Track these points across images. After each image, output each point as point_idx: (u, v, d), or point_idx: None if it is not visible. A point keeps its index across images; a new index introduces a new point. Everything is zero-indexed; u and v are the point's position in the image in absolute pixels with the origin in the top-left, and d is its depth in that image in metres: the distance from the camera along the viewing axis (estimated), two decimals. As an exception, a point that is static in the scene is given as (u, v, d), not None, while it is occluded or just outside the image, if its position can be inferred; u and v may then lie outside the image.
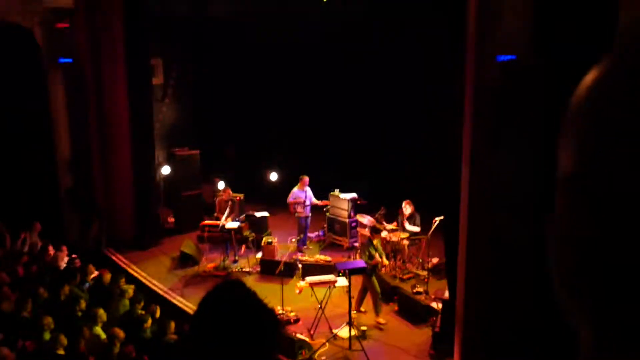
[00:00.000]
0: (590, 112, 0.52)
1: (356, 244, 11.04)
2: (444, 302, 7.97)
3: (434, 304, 8.59)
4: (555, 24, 5.09)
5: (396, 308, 9.00)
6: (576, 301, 0.57)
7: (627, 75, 0.50)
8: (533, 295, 5.60)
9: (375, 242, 8.86)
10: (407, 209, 10.34)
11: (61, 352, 6.31)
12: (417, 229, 10.22)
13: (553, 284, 0.60)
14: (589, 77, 0.54)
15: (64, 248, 9.71)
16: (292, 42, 12.90)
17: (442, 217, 9.17)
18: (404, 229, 10.28)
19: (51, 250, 9.65)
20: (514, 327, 5.75)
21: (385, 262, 8.97)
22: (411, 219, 10.33)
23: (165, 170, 12.72)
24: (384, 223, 10.55)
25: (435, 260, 9.96)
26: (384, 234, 10.17)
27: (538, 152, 5.00)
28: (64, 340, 6.35)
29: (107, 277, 8.72)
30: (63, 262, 9.42)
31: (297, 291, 8.76)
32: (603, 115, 0.51)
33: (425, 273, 9.64)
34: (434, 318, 8.14)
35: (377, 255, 8.65)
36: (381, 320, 8.55)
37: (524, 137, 5.33)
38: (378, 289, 8.57)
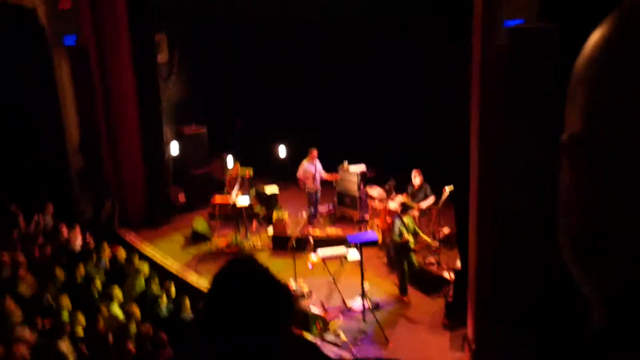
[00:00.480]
0: (597, 71, 0.52)
1: (367, 216, 11.08)
2: (456, 272, 8.03)
3: (446, 274, 8.65)
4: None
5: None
6: (585, 270, 0.58)
7: (632, 33, 0.50)
8: (544, 263, 5.63)
9: (405, 219, 8.58)
10: (416, 179, 10.29)
11: (80, 331, 6.47)
12: (428, 201, 10.14)
13: (562, 252, 0.61)
14: (595, 36, 0.54)
15: (77, 228, 9.84)
16: (298, 15, 12.77)
17: (451, 187, 9.16)
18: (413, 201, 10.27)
19: (65, 231, 9.79)
20: (526, 295, 5.79)
21: (411, 239, 8.46)
22: (421, 189, 10.29)
23: (174, 147, 12.78)
24: (394, 194, 10.55)
25: (446, 230, 9.99)
26: (393, 204, 10.19)
27: (548, 121, 4.96)
28: (82, 319, 6.51)
29: (122, 255, 8.87)
30: (78, 242, 9.56)
31: (310, 265, 8.86)
32: (610, 74, 0.51)
33: (436, 243, 9.69)
34: (447, 288, 8.22)
35: (405, 234, 8.41)
36: (405, 299, 8.57)
37: (534, 104, 5.28)
38: (406, 268, 8.51)
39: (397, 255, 8.57)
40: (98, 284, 7.66)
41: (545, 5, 5.25)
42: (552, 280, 5.47)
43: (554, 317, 5.44)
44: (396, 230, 8.46)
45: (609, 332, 0.57)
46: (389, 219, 10.36)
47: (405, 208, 8.86)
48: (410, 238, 8.39)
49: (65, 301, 6.84)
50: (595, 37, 0.54)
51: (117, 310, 7.11)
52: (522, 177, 5.57)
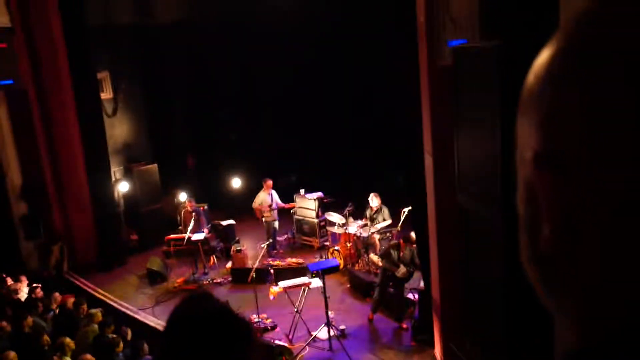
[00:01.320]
0: (553, 89, 0.53)
1: (326, 243, 11.05)
2: (420, 292, 8.06)
3: (410, 296, 8.67)
4: (500, 6, 5.22)
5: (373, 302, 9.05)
6: (552, 292, 0.57)
7: (582, 52, 0.51)
8: (506, 278, 5.71)
9: (403, 251, 8.42)
10: (374, 201, 10.39)
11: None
12: (387, 223, 10.26)
13: (526, 272, 0.60)
14: (545, 56, 0.55)
15: (23, 278, 9.42)
16: (241, 43, 12.85)
17: (409, 208, 9.26)
18: (373, 224, 10.35)
19: (9, 282, 9.35)
20: (492, 311, 5.84)
21: (402, 270, 8.25)
22: (379, 211, 10.39)
23: (124, 186, 12.49)
24: (352, 219, 10.60)
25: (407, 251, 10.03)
26: (352, 229, 10.24)
27: (499, 133, 5.10)
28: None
29: (71, 303, 8.51)
30: (23, 293, 9.14)
31: (271, 297, 8.72)
32: (566, 91, 0.51)
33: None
34: (412, 309, 8.23)
35: (401, 266, 8.29)
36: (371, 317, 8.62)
37: (483, 119, 5.43)
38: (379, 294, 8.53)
39: (383, 280, 8.49)
40: (46, 335, 7.29)
41: (486, 25, 5.46)
42: (520, 292, 5.54)
43: (524, 331, 5.49)
44: (390, 259, 8.38)
45: (582, 350, 0.56)
46: (349, 244, 10.38)
47: (407, 240, 8.60)
48: (402, 269, 8.31)
49: (12, 356, 6.46)
50: (546, 55, 0.55)
51: (69, 361, 6.77)
52: (479, 192, 5.67)
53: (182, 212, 11.34)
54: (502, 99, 4.70)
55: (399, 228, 9.89)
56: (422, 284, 8.01)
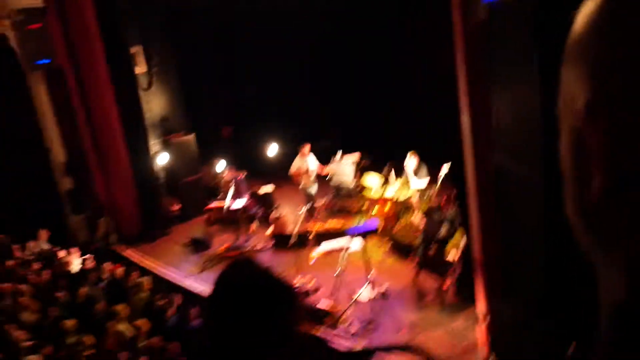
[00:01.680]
0: (602, 39, 0.52)
1: (364, 207, 11.07)
2: (461, 251, 8.04)
3: (451, 255, 8.64)
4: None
5: (414, 264, 9.09)
6: (602, 243, 0.57)
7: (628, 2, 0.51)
8: (550, 230, 5.65)
9: (444, 211, 8.59)
10: (412, 161, 10.30)
11: (88, 353, 6.45)
12: (425, 181, 10.19)
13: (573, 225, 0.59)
14: (591, 6, 0.54)
15: (75, 250, 9.81)
16: (270, 14, 12.72)
17: (448, 167, 9.18)
18: (410, 184, 10.29)
19: (62, 255, 9.76)
20: (534, 265, 5.81)
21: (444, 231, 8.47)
22: (418, 171, 10.30)
23: (163, 158, 12.73)
24: (390, 180, 10.56)
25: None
26: (390, 192, 10.23)
27: (537, 89, 4.97)
28: (89, 340, 6.48)
29: (120, 272, 8.85)
30: (75, 265, 9.53)
31: (312, 261, 8.85)
32: (615, 40, 0.51)
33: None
34: (453, 268, 8.23)
35: (443, 226, 8.44)
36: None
37: (520, 75, 5.31)
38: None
39: (425, 240, 8.61)
40: (101, 304, 7.63)
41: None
42: (561, 246, 5.49)
43: (565, 286, 5.46)
44: (434, 219, 8.57)
45: (629, 304, 0.56)
46: (388, 206, 10.38)
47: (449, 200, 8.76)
48: (443, 230, 8.43)
49: (70, 324, 6.81)
50: (593, 5, 0.54)
51: (123, 327, 7.09)
52: (516, 149, 5.58)
53: (221, 181, 11.50)
54: (540, 53, 4.56)
55: (437, 188, 9.81)
56: (463, 243, 7.99)
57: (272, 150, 12.77)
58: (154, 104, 13.17)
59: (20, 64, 10.94)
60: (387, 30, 12.13)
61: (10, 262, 9.15)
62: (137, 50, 12.65)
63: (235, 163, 12.85)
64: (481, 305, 6.83)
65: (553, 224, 5.54)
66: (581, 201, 0.57)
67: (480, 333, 6.71)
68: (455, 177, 7.80)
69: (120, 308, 7.28)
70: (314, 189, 11.43)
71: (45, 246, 10.31)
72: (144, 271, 10.00)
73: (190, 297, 8.72)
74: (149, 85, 13.07)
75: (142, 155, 11.90)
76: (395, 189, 10.35)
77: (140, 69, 12.80)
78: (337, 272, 8.30)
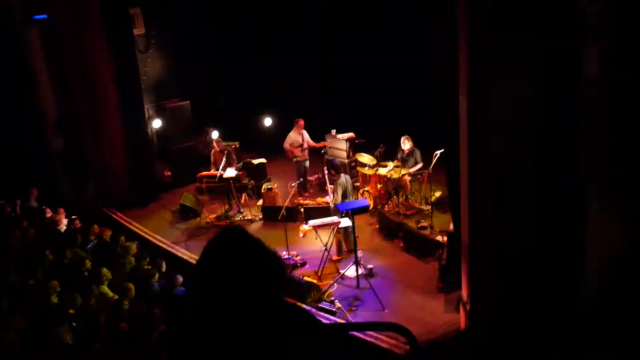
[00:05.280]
0: None
1: (357, 184, 11.08)
2: (449, 234, 8.08)
3: (439, 238, 8.71)
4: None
5: (401, 245, 9.14)
6: None
7: None
8: (535, 223, 5.68)
9: None
10: (406, 144, 10.32)
11: (72, 312, 6.45)
12: (418, 166, 10.24)
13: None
14: None
15: (62, 210, 9.76)
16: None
17: (442, 150, 9.17)
18: (404, 166, 10.30)
19: (49, 214, 9.72)
20: (520, 255, 5.85)
21: None
22: (411, 154, 10.32)
23: (157, 123, 12.62)
24: (383, 160, 10.57)
25: (438, 193, 10.02)
26: (384, 170, 10.25)
27: (538, 80, 4.96)
28: (78, 300, 6.47)
29: (108, 235, 8.82)
30: (63, 225, 9.50)
31: (301, 235, 8.88)
32: None
33: (428, 207, 9.73)
34: (440, 251, 8.28)
35: None
36: None
37: (523, 64, 5.28)
38: None
39: None
40: (87, 264, 7.62)
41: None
42: (549, 235, 5.53)
43: (551, 274, 5.51)
44: None
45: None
46: (379, 185, 10.40)
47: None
48: None
49: (53, 284, 6.80)
50: None
51: (107, 290, 7.09)
52: (513, 138, 5.57)
53: (214, 151, 11.45)
54: (546, 43, 4.54)
55: (430, 170, 9.83)
56: (451, 226, 8.02)
57: (267, 122, 12.68)
58: (151, 67, 13.00)
59: (15, 18, 10.72)
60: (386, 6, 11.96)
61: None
62: (135, 11, 12.43)
63: (229, 133, 12.77)
64: (465, 291, 6.88)
65: (546, 211, 5.57)
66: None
67: (463, 317, 6.77)
68: (448, 161, 7.79)
69: (105, 271, 7.27)
70: (306, 163, 11.41)
71: (34, 204, 10.25)
72: (132, 235, 9.99)
73: (176, 263, 8.75)
74: (147, 47, 12.88)
75: (136, 118, 11.76)
76: (388, 169, 10.36)
77: (139, 30, 12.60)
78: (325, 248, 8.34)
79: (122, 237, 8.76)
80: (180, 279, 7.39)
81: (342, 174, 8.99)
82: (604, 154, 5.11)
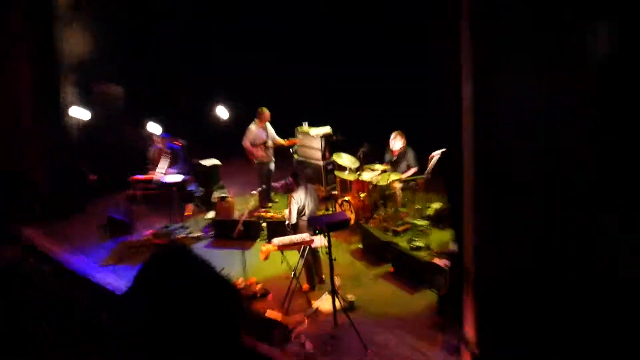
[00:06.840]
0: None
1: (334, 192, 11.08)
2: (451, 255, 8.08)
3: (437, 261, 8.72)
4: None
5: (391, 269, 9.13)
6: None
7: None
8: (558, 242, 5.72)
9: None
10: (396, 142, 10.32)
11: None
12: (412, 170, 10.28)
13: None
14: None
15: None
16: None
17: (442, 150, 9.21)
18: (394, 171, 10.32)
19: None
20: (534, 281, 5.88)
21: None
22: (403, 155, 10.34)
23: (81, 113, 12.40)
24: (367, 162, 10.57)
25: (436, 205, 10.07)
26: (368, 175, 10.25)
27: (545, 69, 5.02)
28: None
29: (14, 256, 8.61)
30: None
31: (263, 257, 8.80)
32: None
33: (424, 223, 9.76)
34: (439, 277, 8.29)
35: None
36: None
37: (529, 51, 5.38)
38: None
39: None
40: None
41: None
42: (560, 257, 5.56)
43: (569, 311, 5.56)
44: None
45: None
46: (363, 195, 10.39)
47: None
48: None
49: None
50: None
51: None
52: (523, 136, 5.62)
53: (153, 149, 11.34)
54: (555, 27, 4.64)
55: (426, 176, 9.86)
56: (453, 246, 8.04)
57: (221, 113, 12.58)
58: (75, 43, 12.80)
59: None
60: None
61: None
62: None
63: (173, 126, 12.65)
64: (470, 326, 6.87)
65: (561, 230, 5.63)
66: None
67: (466, 361, 6.75)
68: (449, 164, 7.81)
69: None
70: (271, 166, 11.38)
71: None
72: (44, 257, 9.78)
73: (100, 295, 8.56)
74: (73, 17, 12.66)
75: (51, 106, 11.59)
76: (374, 174, 10.35)
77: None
78: (293, 274, 8.28)
79: (31, 259, 8.55)
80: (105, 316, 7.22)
81: (303, 186, 8.82)
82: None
